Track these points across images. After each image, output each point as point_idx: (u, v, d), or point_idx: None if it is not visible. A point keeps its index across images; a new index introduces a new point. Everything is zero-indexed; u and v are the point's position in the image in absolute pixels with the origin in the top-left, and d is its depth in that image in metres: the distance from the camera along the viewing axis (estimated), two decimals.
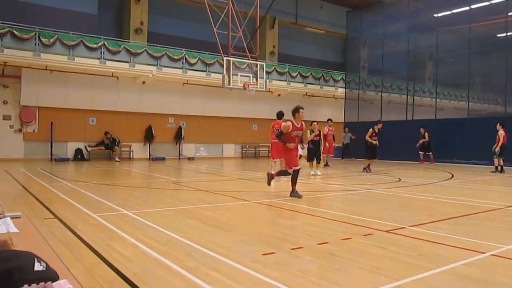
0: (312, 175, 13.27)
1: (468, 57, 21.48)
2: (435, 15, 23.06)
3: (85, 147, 21.45)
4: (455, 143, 20.14)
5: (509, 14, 19.58)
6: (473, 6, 20.98)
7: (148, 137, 22.98)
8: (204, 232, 5.27)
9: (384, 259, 4.14)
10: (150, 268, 3.77)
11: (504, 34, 20.13)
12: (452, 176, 13.87)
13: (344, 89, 27.79)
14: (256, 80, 18.49)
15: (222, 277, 3.50)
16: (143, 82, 22.09)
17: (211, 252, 4.26)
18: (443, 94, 28.20)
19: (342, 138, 23.31)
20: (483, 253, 4.33)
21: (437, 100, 23.04)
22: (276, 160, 12.86)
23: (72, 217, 6.15)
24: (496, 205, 7.49)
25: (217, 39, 17.90)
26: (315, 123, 13.91)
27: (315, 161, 13.81)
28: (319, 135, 13.96)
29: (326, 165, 17.39)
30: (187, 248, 4.47)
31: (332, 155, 18.42)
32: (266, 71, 19.86)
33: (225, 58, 17.77)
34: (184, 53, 22.64)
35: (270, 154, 12.95)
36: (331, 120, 17.81)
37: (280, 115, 12.57)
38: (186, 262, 3.93)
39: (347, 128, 23.55)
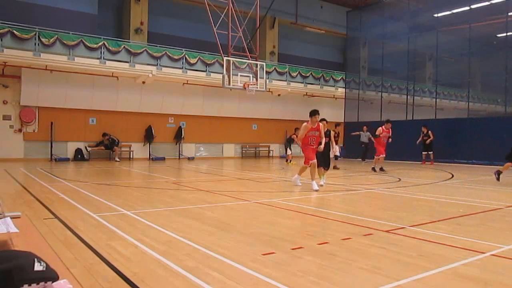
0: (321, 185, 10.52)
1: (468, 57, 21.48)
2: (435, 15, 23.06)
3: (85, 147, 21.46)
4: (455, 143, 20.14)
5: (509, 14, 19.58)
6: (473, 6, 20.98)
7: (148, 137, 22.99)
8: (204, 232, 5.27)
9: (384, 259, 4.14)
10: (150, 268, 3.77)
11: (504, 34, 20.13)
12: (452, 176, 13.87)
13: (344, 89, 27.79)
14: (256, 80, 18.48)
15: (222, 277, 3.50)
16: (143, 82, 22.09)
17: (211, 252, 4.26)
18: (443, 94, 28.20)
19: (360, 138, 21.29)
20: (483, 253, 4.33)
21: (437, 100, 23.03)
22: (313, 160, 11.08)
23: (72, 217, 6.15)
24: (496, 205, 7.49)
25: (217, 39, 17.89)
26: (324, 121, 12.71)
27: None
28: (329, 136, 12.24)
29: (381, 169, 15.64)
30: (187, 248, 4.48)
31: (384, 156, 16.07)
32: (266, 71, 19.85)
33: (225, 58, 17.77)
34: (184, 53, 22.63)
35: (305, 160, 10.36)
36: (389, 122, 15.96)
37: (314, 112, 10.82)
38: (186, 262, 3.93)
39: (365, 127, 21.33)
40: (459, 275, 3.66)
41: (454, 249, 4.53)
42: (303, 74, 27.43)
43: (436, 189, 10.38)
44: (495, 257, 4.21)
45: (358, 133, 21.40)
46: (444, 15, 23.13)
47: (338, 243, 4.75)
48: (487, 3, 20.97)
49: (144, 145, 23.11)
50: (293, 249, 4.43)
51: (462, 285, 3.43)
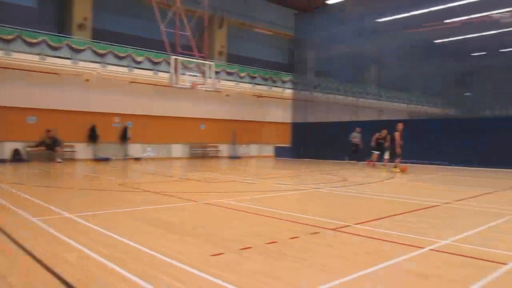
0: None
1: (408, 61, 22.48)
2: (378, 20, 23.94)
3: (24, 147, 20.34)
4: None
5: (445, 21, 20.69)
6: (413, 13, 21.98)
7: (92, 137, 22.19)
8: (152, 234, 5.16)
9: (332, 256, 4.24)
10: (95, 273, 3.64)
11: (441, 40, 21.25)
12: (394, 175, 14.45)
13: (292, 90, 28.21)
14: (205, 79, 18.37)
15: (170, 280, 3.45)
16: (87, 80, 21.31)
17: (159, 255, 4.17)
18: (385, 96, 29.34)
19: (352, 138, 20.42)
20: (422, 248, 4.54)
21: (380, 102, 23.92)
22: None
23: (10, 222, 5.81)
24: (434, 202, 7.89)
25: (165, 37, 17.61)
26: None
27: None
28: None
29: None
30: (134, 251, 4.36)
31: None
32: (214, 71, 19.79)
33: (172, 57, 17.51)
34: (130, 51, 22.08)
35: None
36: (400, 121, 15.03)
37: None
38: (133, 265, 3.83)
39: (359, 128, 20.50)
40: (402, 269, 3.82)
41: (397, 245, 4.72)
42: (251, 74, 27.57)
43: (380, 188, 10.78)
44: (433, 252, 4.43)
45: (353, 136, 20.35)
46: (386, 20, 24.06)
47: (286, 242, 4.80)
48: (425, 10, 22.06)
49: (88, 145, 22.29)
50: (242, 249, 4.44)
51: (405, 279, 3.58)
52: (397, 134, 15.24)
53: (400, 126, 15.36)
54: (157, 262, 3.95)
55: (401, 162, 15.45)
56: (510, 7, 19.30)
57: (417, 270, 3.82)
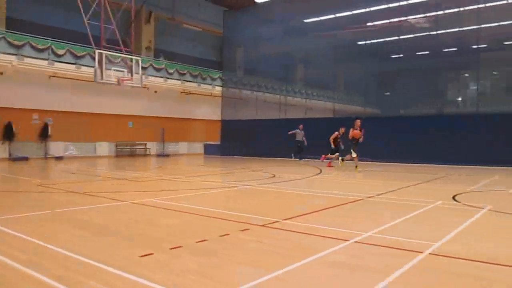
0: None
1: (333, 61, 23.36)
2: (305, 21, 24.61)
3: None
4: (322, 140, 21.69)
5: (368, 24, 21.75)
6: (338, 15, 22.87)
7: (8, 135, 20.67)
8: (77, 237, 4.94)
9: (262, 252, 4.32)
10: (12, 282, 3.41)
11: (364, 42, 22.32)
12: (321, 171, 14.98)
13: (221, 87, 28.22)
14: (131, 75, 17.82)
15: (97, 284, 3.32)
16: (1, 73, 19.80)
17: (85, 259, 4.00)
18: (312, 95, 30.26)
19: (291, 133, 20.40)
20: (347, 240, 4.77)
21: (307, 100, 24.65)
22: None
23: None
24: (357, 197, 8.29)
25: (89, 29, 16.81)
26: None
27: None
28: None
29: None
30: (57, 256, 4.14)
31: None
32: (142, 66, 19.26)
33: (97, 51, 16.78)
34: (50, 43, 20.83)
35: None
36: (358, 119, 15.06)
37: None
38: (57, 271, 3.63)
39: (301, 125, 20.51)
40: (330, 262, 3.99)
41: (324, 238, 4.91)
42: (180, 71, 27.19)
43: (307, 184, 11.13)
44: (357, 244, 4.67)
45: (294, 132, 20.34)
46: (313, 21, 24.81)
47: (216, 240, 4.82)
48: (349, 13, 23.04)
49: (2, 144, 20.73)
50: (172, 248, 4.39)
51: (333, 271, 3.74)
52: (351, 131, 14.54)
53: (357, 122, 14.62)
54: (84, 267, 3.78)
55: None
56: (425, 13, 20.71)
57: (344, 261, 4.01)
